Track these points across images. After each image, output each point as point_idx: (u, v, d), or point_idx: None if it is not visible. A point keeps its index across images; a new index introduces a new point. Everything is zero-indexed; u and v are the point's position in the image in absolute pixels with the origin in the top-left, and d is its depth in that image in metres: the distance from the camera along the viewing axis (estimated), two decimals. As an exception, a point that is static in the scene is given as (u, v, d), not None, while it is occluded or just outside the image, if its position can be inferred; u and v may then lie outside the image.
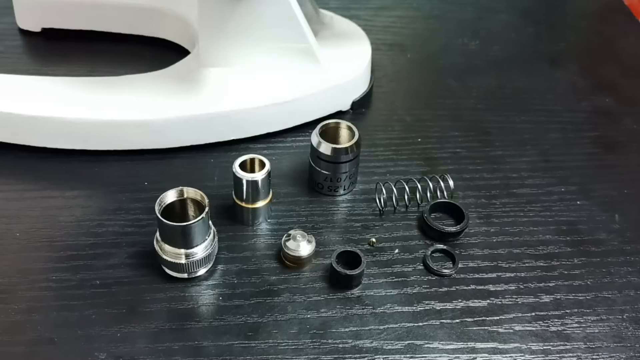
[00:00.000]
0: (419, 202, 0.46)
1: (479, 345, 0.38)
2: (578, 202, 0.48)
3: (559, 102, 0.58)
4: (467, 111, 0.57)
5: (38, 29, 0.61)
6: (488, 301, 0.40)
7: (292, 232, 0.42)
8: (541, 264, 0.43)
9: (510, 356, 0.37)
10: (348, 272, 0.39)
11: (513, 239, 0.45)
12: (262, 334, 0.38)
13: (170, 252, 0.39)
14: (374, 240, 0.44)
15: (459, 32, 0.67)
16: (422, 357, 0.37)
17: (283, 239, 0.41)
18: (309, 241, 0.41)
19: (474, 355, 0.37)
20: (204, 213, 0.37)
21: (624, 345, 0.38)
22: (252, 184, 0.41)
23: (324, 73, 0.52)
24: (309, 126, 0.52)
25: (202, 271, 0.40)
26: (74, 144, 0.48)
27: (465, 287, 0.41)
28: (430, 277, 0.42)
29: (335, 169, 0.45)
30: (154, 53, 0.60)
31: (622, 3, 0.74)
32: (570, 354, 0.38)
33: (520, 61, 0.64)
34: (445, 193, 0.46)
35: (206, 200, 0.38)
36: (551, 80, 0.61)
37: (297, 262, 0.41)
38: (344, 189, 0.47)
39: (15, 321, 0.37)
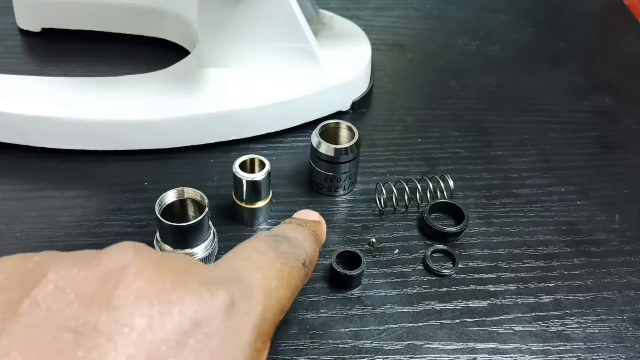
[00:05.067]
0: (419, 202, 0.46)
1: (479, 345, 0.38)
2: (578, 202, 0.48)
3: (559, 102, 0.58)
4: (467, 111, 0.57)
5: (38, 29, 0.61)
6: (488, 301, 0.40)
7: None
8: (541, 264, 0.43)
9: (510, 356, 0.37)
10: (348, 272, 0.39)
11: (513, 239, 0.45)
12: (262, 334, 0.38)
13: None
14: (374, 240, 0.44)
15: (459, 32, 0.67)
16: (422, 357, 0.37)
17: None
18: None
19: (474, 355, 0.37)
20: (204, 213, 0.37)
21: (624, 346, 0.38)
22: (252, 184, 0.41)
23: (324, 73, 0.52)
24: (309, 126, 0.52)
25: (202, 271, 0.40)
26: (74, 144, 0.48)
27: (465, 288, 0.41)
28: (430, 277, 0.42)
29: (335, 169, 0.45)
30: (154, 53, 0.60)
31: (622, 3, 0.74)
32: (570, 354, 0.38)
33: (520, 61, 0.64)
34: (445, 193, 0.46)
35: (206, 201, 0.38)
36: (551, 80, 0.61)
37: None
38: (344, 189, 0.47)
39: (15, 321, 0.37)
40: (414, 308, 0.40)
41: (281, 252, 0.31)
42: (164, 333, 0.23)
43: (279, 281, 0.29)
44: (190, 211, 0.40)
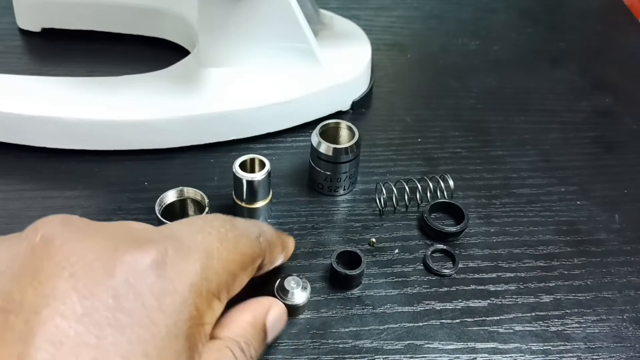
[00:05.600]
0: (419, 202, 0.46)
1: (479, 345, 0.38)
2: (578, 202, 0.48)
3: (559, 102, 0.58)
4: (467, 111, 0.57)
5: (38, 29, 0.61)
6: (488, 301, 0.40)
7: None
8: (541, 264, 0.43)
9: (510, 356, 0.37)
10: (348, 272, 0.39)
11: (513, 239, 0.45)
12: (262, 334, 0.38)
13: (170, 252, 0.39)
14: (374, 240, 0.44)
15: (459, 32, 0.67)
16: (422, 357, 0.37)
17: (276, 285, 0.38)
18: (304, 288, 0.38)
19: (474, 355, 0.37)
20: (204, 213, 0.37)
21: (624, 345, 0.38)
22: (252, 184, 0.41)
23: (324, 73, 0.52)
24: (309, 126, 0.52)
25: (202, 271, 0.40)
26: (74, 144, 0.48)
27: (465, 287, 0.41)
28: (430, 277, 0.42)
29: (335, 169, 0.45)
30: (154, 53, 0.60)
31: (622, 3, 0.74)
32: (570, 354, 0.38)
33: (520, 61, 0.64)
34: (445, 193, 0.46)
35: (206, 200, 0.38)
36: (551, 80, 0.61)
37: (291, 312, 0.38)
38: (344, 189, 0.47)
39: (15, 321, 0.37)
40: (414, 308, 0.40)
41: (230, 220, 0.30)
42: (94, 301, 0.23)
43: (223, 244, 0.28)
44: (191, 211, 0.40)
